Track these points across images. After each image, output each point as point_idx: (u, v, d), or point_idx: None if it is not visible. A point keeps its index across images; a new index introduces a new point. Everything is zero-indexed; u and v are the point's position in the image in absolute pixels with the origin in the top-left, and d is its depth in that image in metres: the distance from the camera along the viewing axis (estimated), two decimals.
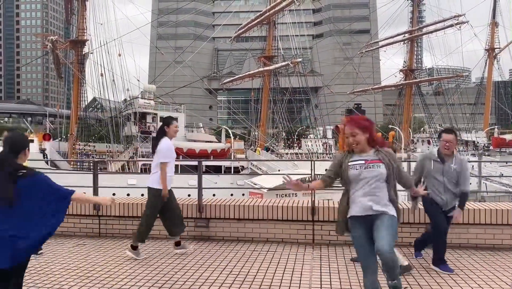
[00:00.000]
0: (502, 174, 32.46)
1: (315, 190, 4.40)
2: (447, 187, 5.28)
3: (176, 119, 6.38)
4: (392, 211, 3.62)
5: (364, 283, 3.71)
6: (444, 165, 5.32)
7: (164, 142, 6.03)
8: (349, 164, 3.67)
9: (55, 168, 33.26)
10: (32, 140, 35.20)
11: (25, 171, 3.14)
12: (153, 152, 6.12)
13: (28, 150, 3.30)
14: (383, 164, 3.61)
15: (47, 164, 33.37)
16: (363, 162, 3.63)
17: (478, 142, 56.19)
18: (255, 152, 41.75)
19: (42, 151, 35.41)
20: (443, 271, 5.26)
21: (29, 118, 67.77)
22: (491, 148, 56.71)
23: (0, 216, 3.04)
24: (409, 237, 6.50)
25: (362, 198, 3.61)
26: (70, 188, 3.34)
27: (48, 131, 43.04)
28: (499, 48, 65.21)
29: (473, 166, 37.84)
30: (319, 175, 4.94)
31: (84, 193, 3.87)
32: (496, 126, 66.86)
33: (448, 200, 5.29)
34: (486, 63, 65.54)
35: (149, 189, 6.07)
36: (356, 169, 3.63)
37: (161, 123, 6.48)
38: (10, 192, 3.01)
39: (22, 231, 3.06)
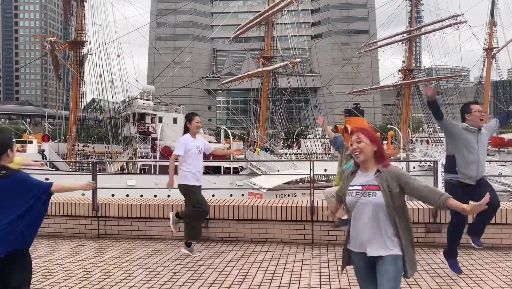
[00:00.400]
0: (501, 174, 32.47)
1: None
2: (480, 158, 5.08)
3: (197, 114, 6.56)
4: (394, 250, 3.01)
5: None
6: (478, 134, 5.12)
7: (182, 137, 6.27)
8: (349, 188, 3.18)
9: (54, 169, 33.22)
10: (31, 142, 35.22)
11: (4, 172, 3.17)
12: None
13: (11, 150, 3.29)
14: (380, 191, 3.02)
15: (46, 165, 33.33)
16: (360, 187, 3.10)
17: None
18: (254, 152, 41.75)
19: (41, 152, 35.38)
20: (450, 267, 5.21)
21: (28, 120, 67.68)
22: (489, 147, 56.76)
23: None
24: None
25: (356, 233, 3.11)
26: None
27: (47, 133, 43.03)
28: (498, 47, 65.24)
29: None
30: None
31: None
32: None
33: (478, 173, 5.08)
34: (484, 63, 65.59)
35: (178, 185, 6.20)
36: (352, 196, 3.12)
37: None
38: None
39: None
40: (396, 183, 3.05)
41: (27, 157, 32.74)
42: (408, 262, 3.05)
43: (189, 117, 6.37)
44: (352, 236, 3.15)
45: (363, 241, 3.08)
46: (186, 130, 6.33)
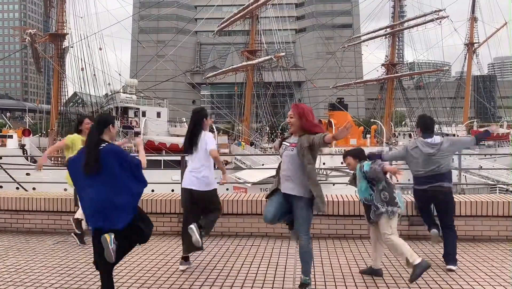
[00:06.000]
0: (481, 167, 33.07)
1: None
2: None
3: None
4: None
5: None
6: None
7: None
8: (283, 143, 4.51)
9: (35, 164, 32.66)
10: (11, 136, 34.58)
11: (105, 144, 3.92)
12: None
13: (113, 126, 4.10)
14: (295, 147, 4.25)
15: (27, 159, 32.79)
16: (288, 144, 4.38)
17: (458, 136, 57.25)
18: (239, 146, 41.72)
19: (22, 146, 34.80)
20: None
21: (8, 114, 66.41)
22: None
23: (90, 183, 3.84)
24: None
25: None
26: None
27: (27, 127, 42.32)
28: (478, 42, 66.29)
29: (453, 159, 38.46)
30: None
31: None
32: (475, 120, 68.16)
33: None
34: (465, 58, 66.60)
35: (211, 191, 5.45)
36: (283, 149, 4.43)
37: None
38: (94, 158, 3.80)
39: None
40: (307, 142, 4.16)
41: (6, 152, 32.17)
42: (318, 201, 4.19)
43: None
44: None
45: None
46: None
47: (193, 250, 5.32)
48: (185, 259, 5.35)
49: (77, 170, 3.92)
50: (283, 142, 4.42)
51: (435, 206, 5.47)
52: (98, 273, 5.09)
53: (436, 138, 5.28)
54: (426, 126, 5.35)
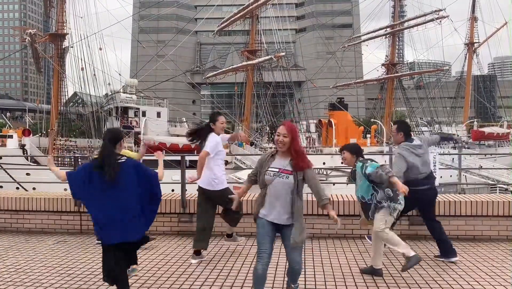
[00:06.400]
0: (481, 166, 33.09)
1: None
2: None
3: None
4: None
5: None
6: None
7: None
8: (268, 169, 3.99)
9: (35, 164, 32.72)
10: (11, 136, 34.59)
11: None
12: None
13: (123, 141, 4.14)
14: (291, 175, 3.89)
15: (27, 159, 32.81)
16: (277, 170, 3.94)
17: (458, 136, 57.19)
18: (240, 147, 41.68)
19: (22, 146, 34.80)
20: None
21: (8, 114, 66.42)
22: (470, 140, 57.77)
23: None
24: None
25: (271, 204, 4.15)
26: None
27: (27, 127, 42.32)
28: (478, 42, 66.23)
29: (453, 159, 38.58)
30: None
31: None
32: (475, 120, 68.12)
33: None
34: (465, 58, 66.54)
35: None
36: (270, 176, 3.95)
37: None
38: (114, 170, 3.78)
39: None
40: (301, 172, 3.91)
41: (6, 152, 32.16)
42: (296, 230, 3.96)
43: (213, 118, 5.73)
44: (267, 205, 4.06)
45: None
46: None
47: (205, 246, 5.65)
48: (197, 253, 5.61)
49: (88, 185, 3.81)
50: (270, 169, 3.92)
51: (425, 204, 5.59)
52: (99, 273, 5.10)
53: (417, 140, 5.48)
54: (408, 131, 5.52)
